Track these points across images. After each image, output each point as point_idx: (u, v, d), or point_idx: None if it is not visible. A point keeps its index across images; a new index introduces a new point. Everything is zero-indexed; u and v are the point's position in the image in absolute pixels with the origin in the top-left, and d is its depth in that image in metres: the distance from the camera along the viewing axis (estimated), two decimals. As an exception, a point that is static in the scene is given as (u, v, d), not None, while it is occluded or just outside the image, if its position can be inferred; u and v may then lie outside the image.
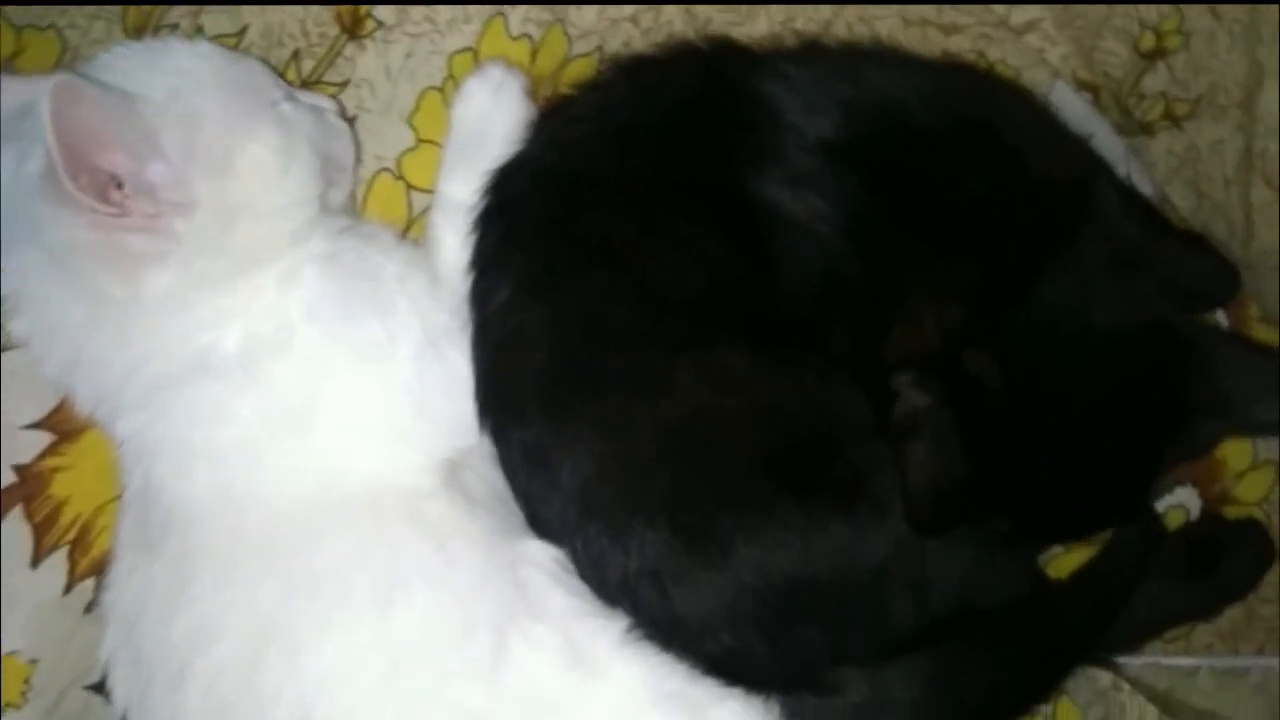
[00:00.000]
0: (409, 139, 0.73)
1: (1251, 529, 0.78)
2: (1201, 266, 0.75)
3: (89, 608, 0.66)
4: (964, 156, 0.66)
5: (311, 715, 0.57)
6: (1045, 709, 0.77)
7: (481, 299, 0.67)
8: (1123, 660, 0.80)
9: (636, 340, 0.65)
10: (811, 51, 0.71)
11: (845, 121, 0.66)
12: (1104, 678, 0.80)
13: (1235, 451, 0.79)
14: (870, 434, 0.66)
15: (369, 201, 0.72)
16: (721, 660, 0.63)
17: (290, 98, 0.63)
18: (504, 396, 0.67)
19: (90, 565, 0.66)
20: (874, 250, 0.66)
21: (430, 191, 0.72)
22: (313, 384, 0.62)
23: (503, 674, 0.59)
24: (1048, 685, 0.71)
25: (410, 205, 0.73)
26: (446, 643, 0.59)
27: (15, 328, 0.61)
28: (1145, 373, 0.66)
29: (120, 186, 0.55)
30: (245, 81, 0.62)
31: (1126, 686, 0.80)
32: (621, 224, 0.67)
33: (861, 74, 0.67)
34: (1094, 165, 0.70)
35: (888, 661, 0.67)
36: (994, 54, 0.80)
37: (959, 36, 0.79)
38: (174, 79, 0.58)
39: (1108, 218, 0.66)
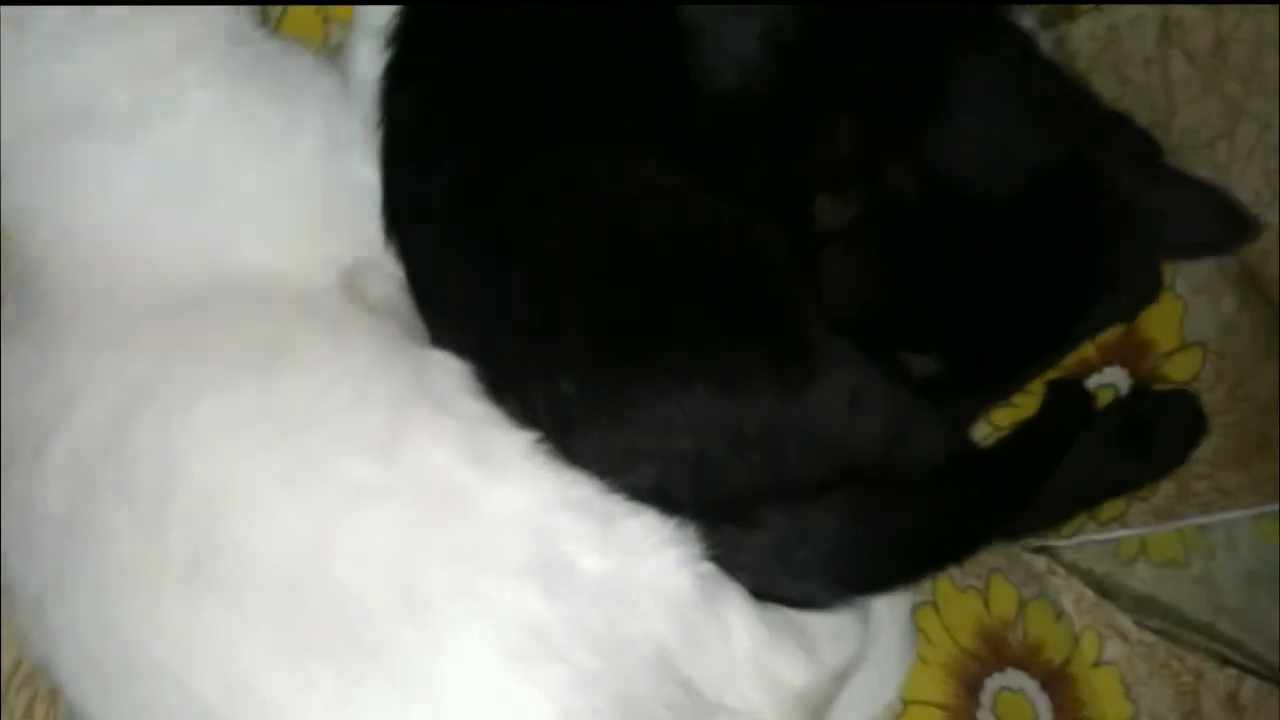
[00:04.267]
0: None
1: (1182, 400, 0.76)
2: (1124, 135, 0.75)
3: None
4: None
5: (178, 479, 0.52)
6: (977, 584, 0.74)
7: (391, 109, 0.65)
8: (1057, 544, 0.77)
9: (549, 144, 0.63)
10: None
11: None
12: (1039, 562, 0.77)
13: (1164, 331, 0.78)
14: (793, 267, 0.64)
15: (283, 30, 0.70)
16: (643, 491, 0.59)
17: None
18: (410, 208, 0.64)
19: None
20: (794, 63, 0.65)
21: (348, 23, 0.70)
22: (204, 158, 0.59)
23: (400, 456, 0.54)
24: (971, 538, 0.67)
25: (327, 37, 0.71)
26: (336, 417, 0.55)
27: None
28: (1065, 196, 0.64)
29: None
30: None
31: (1062, 570, 0.77)
32: (538, 31, 0.65)
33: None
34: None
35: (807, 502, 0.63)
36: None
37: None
38: None
39: (1020, 41, 0.66)
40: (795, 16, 0.64)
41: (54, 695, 0.60)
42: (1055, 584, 0.76)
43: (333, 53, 0.71)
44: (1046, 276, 0.65)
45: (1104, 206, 0.64)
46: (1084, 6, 0.80)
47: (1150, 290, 0.73)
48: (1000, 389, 0.71)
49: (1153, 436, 0.74)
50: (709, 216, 0.64)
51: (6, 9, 0.54)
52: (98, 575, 0.53)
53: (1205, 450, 0.75)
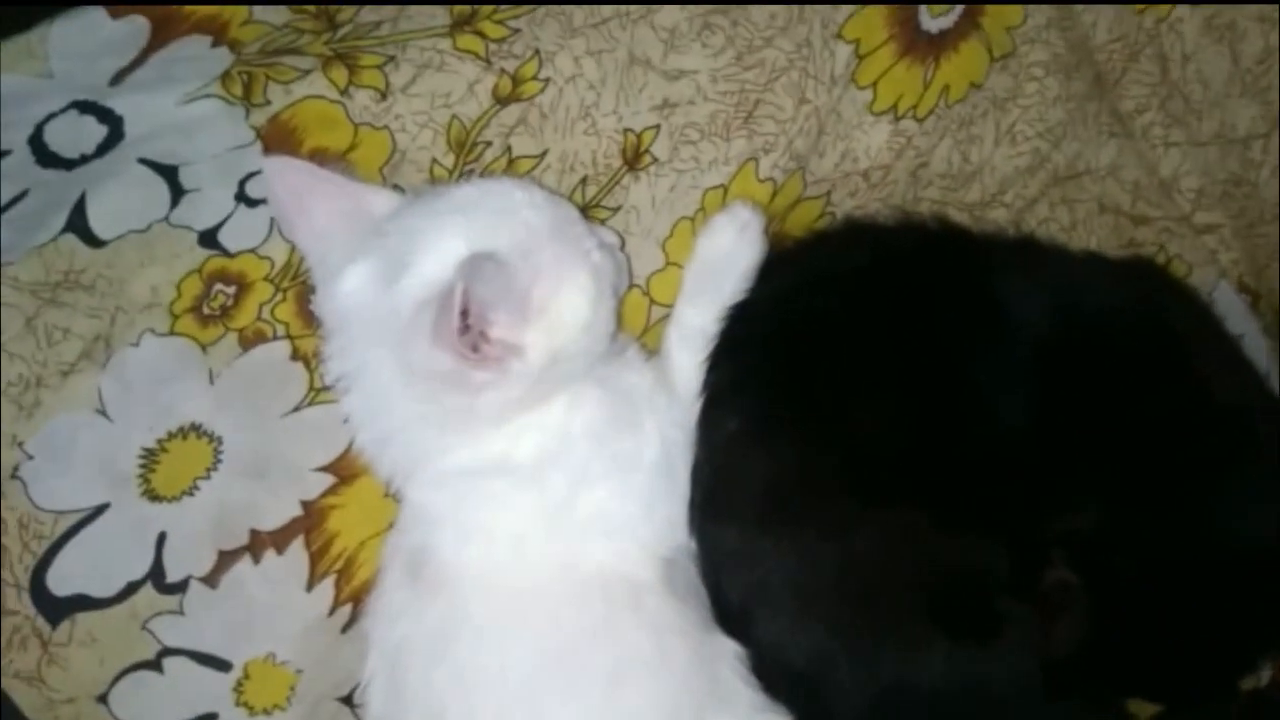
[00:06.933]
0: (660, 261, 0.83)
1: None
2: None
3: (345, 629, 0.78)
4: (1155, 376, 0.76)
5: None
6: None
7: (710, 427, 0.78)
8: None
9: (838, 488, 0.76)
10: (1030, 254, 0.81)
11: (1054, 329, 0.76)
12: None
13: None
14: (1012, 588, 0.77)
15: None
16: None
17: (595, 242, 0.73)
18: (717, 509, 0.78)
19: (351, 593, 0.78)
20: (1058, 445, 0.76)
21: (668, 306, 0.82)
22: (575, 488, 0.73)
23: None
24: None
25: (649, 316, 0.83)
26: None
27: (347, 404, 0.72)
28: (1260, 586, 0.77)
29: (468, 328, 0.65)
30: (569, 232, 0.71)
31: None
32: (842, 380, 0.77)
33: (1077, 287, 0.78)
34: (1261, 397, 0.80)
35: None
36: (1173, 248, 0.89)
37: (1145, 228, 0.89)
38: (522, 235, 0.68)
39: (1264, 448, 0.77)
40: (1073, 415, 0.75)
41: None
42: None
43: (652, 327, 0.83)
44: (1232, 646, 0.78)
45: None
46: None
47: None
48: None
49: (1278, 723, 0.89)
50: (952, 552, 0.76)
51: (460, 400, 0.68)
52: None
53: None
